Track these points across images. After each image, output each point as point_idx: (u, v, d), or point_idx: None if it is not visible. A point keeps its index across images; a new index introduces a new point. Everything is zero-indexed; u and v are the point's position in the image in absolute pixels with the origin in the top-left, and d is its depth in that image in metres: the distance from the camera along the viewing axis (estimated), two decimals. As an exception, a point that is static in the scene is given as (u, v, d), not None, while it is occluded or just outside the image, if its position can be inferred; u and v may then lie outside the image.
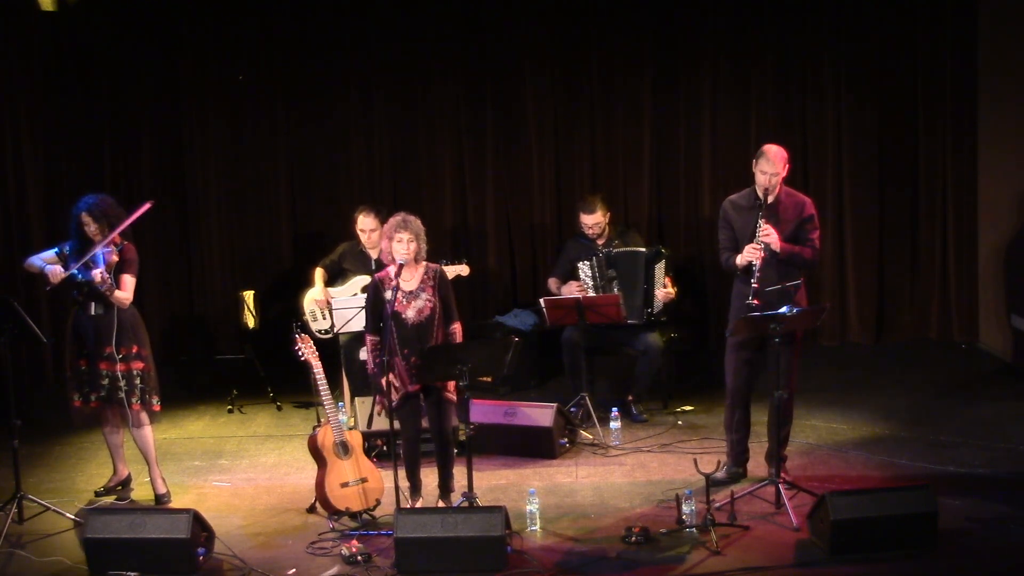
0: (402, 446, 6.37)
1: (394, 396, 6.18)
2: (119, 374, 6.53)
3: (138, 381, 6.60)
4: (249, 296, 8.77)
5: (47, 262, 6.58)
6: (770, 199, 6.41)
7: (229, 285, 9.81)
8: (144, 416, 6.65)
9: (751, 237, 6.41)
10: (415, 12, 9.59)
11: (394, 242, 6.16)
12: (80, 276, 6.42)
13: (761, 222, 6.36)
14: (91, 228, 6.49)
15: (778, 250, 6.37)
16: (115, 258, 6.47)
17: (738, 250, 6.48)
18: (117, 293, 6.47)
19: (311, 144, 9.82)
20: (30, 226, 9.03)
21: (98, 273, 6.33)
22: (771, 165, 6.40)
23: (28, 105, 9.04)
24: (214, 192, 9.87)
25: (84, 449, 7.73)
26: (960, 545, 5.72)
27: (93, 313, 6.55)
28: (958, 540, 5.75)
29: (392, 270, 6.18)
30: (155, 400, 6.70)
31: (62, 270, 6.46)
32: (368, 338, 6.28)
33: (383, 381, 6.10)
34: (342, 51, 9.68)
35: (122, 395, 6.55)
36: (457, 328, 6.29)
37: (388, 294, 6.15)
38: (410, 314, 6.19)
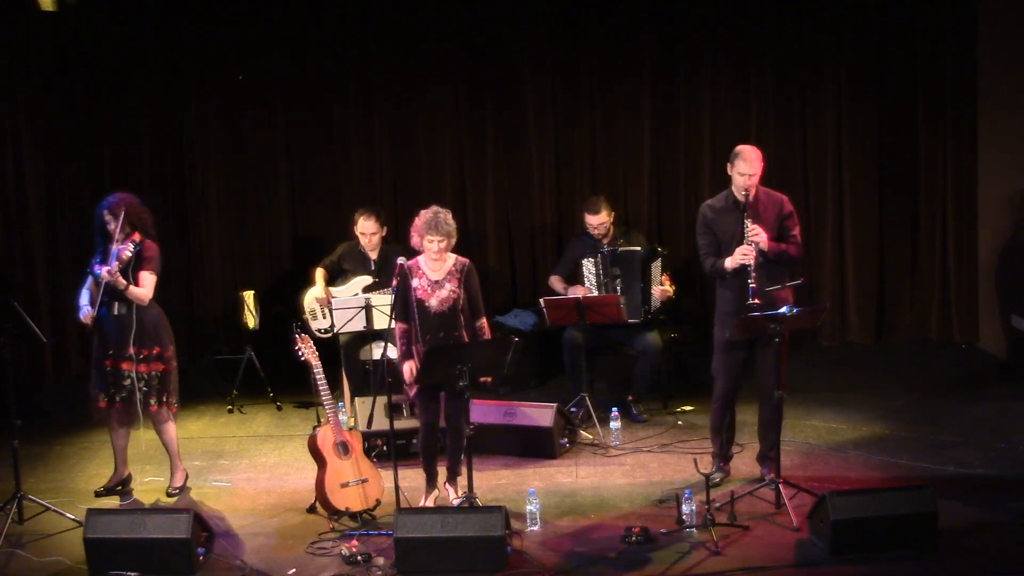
0: (419, 435, 6.50)
1: (412, 385, 6.29)
2: (140, 374, 6.58)
3: (156, 383, 6.64)
4: (249, 296, 8.78)
5: (88, 296, 6.64)
6: (749, 199, 6.41)
7: (229, 285, 9.82)
8: (164, 412, 6.70)
9: (738, 239, 6.41)
10: (415, 13, 9.59)
11: (425, 241, 6.28)
12: (101, 276, 6.47)
13: (748, 222, 6.36)
14: (112, 226, 6.56)
15: (767, 249, 6.38)
16: (128, 254, 6.49)
17: (721, 254, 6.49)
18: (132, 289, 6.51)
19: (311, 144, 9.82)
20: (30, 226, 9.03)
21: (105, 270, 6.37)
22: (748, 166, 6.40)
23: (28, 105, 9.03)
24: (214, 192, 9.87)
25: (84, 449, 7.73)
26: (960, 545, 5.72)
27: (116, 313, 6.59)
28: (958, 540, 5.76)
29: (421, 259, 6.34)
30: (173, 401, 6.74)
31: (91, 311, 6.53)
32: (396, 325, 6.35)
33: (406, 366, 6.26)
34: (342, 51, 9.68)
35: (141, 395, 6.58)
36: (484, 324, 6.43)
37: (415, 282, 6.27)
38: (433, 303, 6.29)
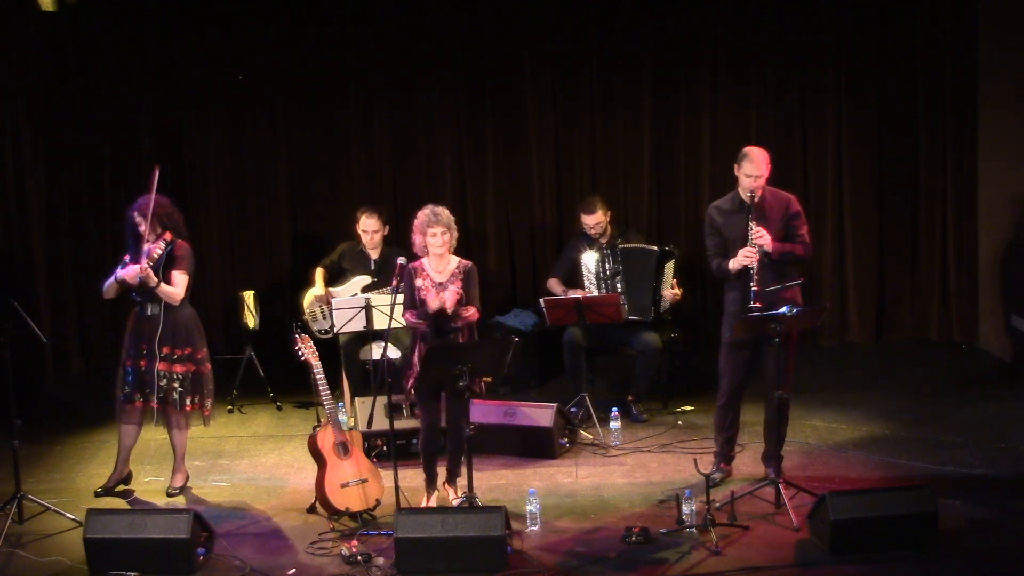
0: (420, 436, 6.52)
1: (412, 380, 6.33)
2: (173, 375, 6.61)
3: (188, 383, 6.65)
4: (249, 296, 8.77)
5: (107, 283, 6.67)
6: (756, 199, 6.42)
7: (229, 285, 9.82)
8: (193, 415, 6.71)
9: (742, 240, 6.41)
10: (416, 14, 9.59)
11: (428, 236, 6.31)
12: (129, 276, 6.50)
13: (752, 224, 6.37)
14: (142, 227, 6.59)
15: (771, 251, 6.38)
16: (158, 252, 6.52)
17: (728, 255, 6.49)
18: (164, 287, 6.54)
19: (311, 144, 9.82)
20: (30, 227, 9.03)
21: (137, 267, 6.42)
22: (755, 167, 6.41)
23: (28, 105, 9.04)
24: (214, 192, 9.87)
25: (84, 449, 7.73)
26: (960, 545, 5.72)
27: (149, 313, 6.62)
28: (958, 540, 5.76)
29: (425, 261, 6.35)
30: (208, 403, 6.77)
31: (135, 267, 6.52)
32: (407, 313, 6.36)
33: (415, 359, 6.29)
34: (343, 52, 9.67)
35: (175, 396, 6.62)
36: (471, 312, 6.34)
37: (419, 283, 6.31)
38: (435, 304, 6.28)
